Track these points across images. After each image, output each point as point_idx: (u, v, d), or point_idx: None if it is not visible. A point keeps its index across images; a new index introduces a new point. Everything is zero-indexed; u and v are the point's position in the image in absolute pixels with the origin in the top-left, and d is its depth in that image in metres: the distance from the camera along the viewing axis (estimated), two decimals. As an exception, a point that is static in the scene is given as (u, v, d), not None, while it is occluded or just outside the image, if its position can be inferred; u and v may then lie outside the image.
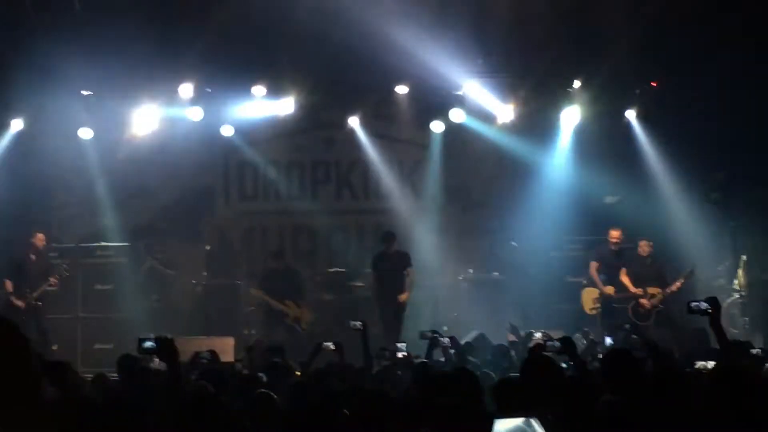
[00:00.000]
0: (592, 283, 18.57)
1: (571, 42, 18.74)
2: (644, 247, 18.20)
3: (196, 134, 20.06)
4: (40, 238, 18.09)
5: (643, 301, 17.82)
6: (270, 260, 19.29)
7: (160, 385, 6.80)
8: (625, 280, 18.13)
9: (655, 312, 17.76)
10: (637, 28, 17.85)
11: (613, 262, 18.39)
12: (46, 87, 19.27)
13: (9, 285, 17.70)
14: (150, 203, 20.56)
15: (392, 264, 18.27)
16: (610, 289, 18.12)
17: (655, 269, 18.12)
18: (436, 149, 21.01)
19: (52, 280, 17.75)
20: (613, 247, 18.44)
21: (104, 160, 20.27)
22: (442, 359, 11.65)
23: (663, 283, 17.85)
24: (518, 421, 5.65)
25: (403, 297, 18.21)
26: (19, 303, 17.46)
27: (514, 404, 6.56)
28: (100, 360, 16.50)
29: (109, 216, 20.34)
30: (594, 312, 18.12)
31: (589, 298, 18.31)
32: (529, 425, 5.61)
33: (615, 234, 18.42)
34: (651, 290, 17.85)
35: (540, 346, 10.26)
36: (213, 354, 12.04)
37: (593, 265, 18.38)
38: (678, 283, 17.67)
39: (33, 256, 17.94)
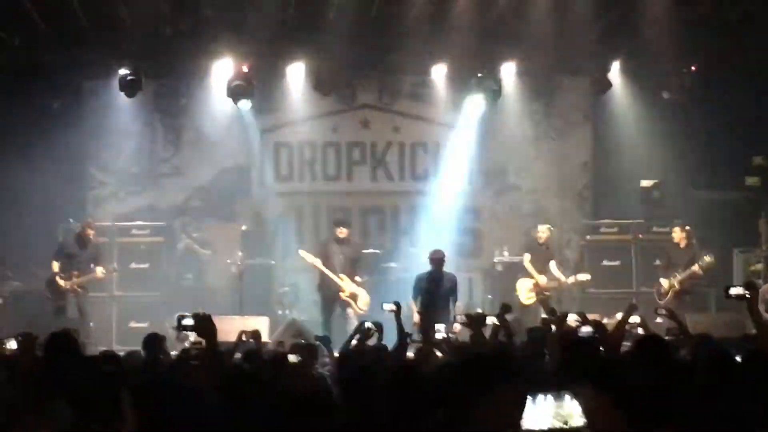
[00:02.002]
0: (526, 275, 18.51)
1: (610, 24, 18.64)
2: (678, 233, 18.17)
3: (232, 114, 20.10)
4: (91, 232, 18.11)
5: (663, 281, 17.86)
6: (334, 228, 18.25)
7: (198, 362, 6.82)
8: (554, 270, 18.42)
9: (672, 292, 17.71)
10: (678, 12, 17.72)
11: (541, 254, 18.45)
12: (83, 65, 19.39)
13: (55, 266, 17.76)
14: (186, 183, 20.62)
15: (438, 287, 16.52)
16: (542, 279, 18.20)
17: (689, 255, 18.03)
18: (472, 131, 20.97)
19: (99, 271, 17.75)
20: (540, 242, 18.56)
21: (142, 139, 20.43)
22: None
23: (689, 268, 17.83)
24: (551, 399, 5.62)
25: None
26: (63, 283, 17.52)
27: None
28: (135, 338, 16.58)
29: (145, 195, 20.45)
30: (529, 302, 18.08)
31: (523, 288, 18.29)
32: (563, 402, 5.58)
33: (542, 230, 18.62)
34: (580, 277, 18.37)
35: (573, 332, 10.22)
36: (255, 334, 11.87)
37: (526, 257, 18.48)
38: (696, 267, 17.60)
39: (83, 245, 17.94)
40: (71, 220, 18.84)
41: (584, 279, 18.40)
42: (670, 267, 18.03)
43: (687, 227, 18.24)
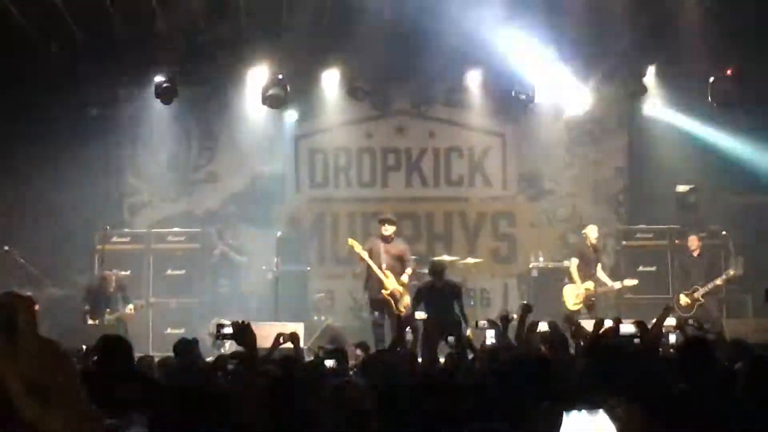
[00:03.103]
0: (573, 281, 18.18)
1: (644, 29, 18.57)
2: (693, 242, 18.23)
3: (267, 120, 20.18)
4: (110, 278, 18.00)
5: (683, 295, 17.82)
6: (379, 226, 17.35)
7: (238, 369, 6.83)
8: (602, 274, 18.15)
9: (696, 306, 17.69)
10: (713, 16, 17.63)
11: (591, 258, 18.12)
12: (119, 73, 19.51)
13: (86, 308, 17.75)
14: (221, 189, 20.70)
15: (443, 297, 15.74)
16: (589, 285, 17.88)
17: (704, 264, 18.08)
18: (507, 136, 20.98)
19: (129, 308, 17.72)
20: (590, 244, 18.15)
21: (178, 146, 20.54)
22: None
23: (711, 278, 17.80)
24: (585, 413, 5.57)
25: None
26: (92, 322, 17.52)
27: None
28: (171, 345, 16.54)
29: (181, 202, 20.54)
30: (576, 308, 17.77)
31: (571, 294, 18.02)
32: (597, 417, 5.53)
33: (591, 231, 18.24)
34: (627, 283, 17.99)
35: (612, 330, 10.11)
36: (294, 337, 11.49)
37: (574, 262, 18.09)
38: (719, 281, 17.76)
39: (107, 288, 17.90)
40: (107, 228, 18.93)
41: (631, 284, 18.14)
42: (686, 279, 18.03)
43: (703, 235, 18.34)
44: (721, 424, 6.17)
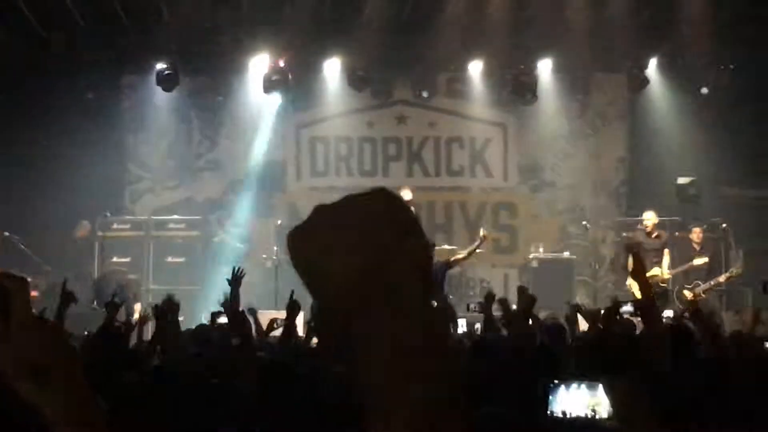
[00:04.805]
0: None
1: (647, 19, 18.56)
2: (696, 234, 18.11)
3: (268, 109, 20.18)
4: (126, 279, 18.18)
5: (686, 290, 17.79)
6: None
7: (234, 356, 6.84)
8: (664, 263, 17.88)
9: (697, 300, 17.63)
10: (715, 8, 17.62)
11: (651, 246, 17.75)
12: (121, 60, 19.52)
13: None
14: (222, 177, 20.71)
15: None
16: (655, 271, 17.26)
17: (706, 257, 18.02)
18: (508, 127, 20.98)
19: (138, 309, 17.80)
20: (648, 231, 17.95)
21: (179, 134, 20.54)
22: None
23: (713, 273, 17.74)
24: (584, 387, 5.59)
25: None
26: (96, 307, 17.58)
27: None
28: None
29: (182, 189, 20.55)
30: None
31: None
32: (595, 392, 5.55)
33: (648, 217, 18.03)
34: (697, 262, 17.64)
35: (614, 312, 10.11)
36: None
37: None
38: (722, 278, 17.64)
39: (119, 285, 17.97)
40: (108, 215, 18.95)
41: (702, 261, 17.64)
42: (688, 272, 17.96)
43: (704, 227, 18.26)
44: (712, 416, 6.19)
